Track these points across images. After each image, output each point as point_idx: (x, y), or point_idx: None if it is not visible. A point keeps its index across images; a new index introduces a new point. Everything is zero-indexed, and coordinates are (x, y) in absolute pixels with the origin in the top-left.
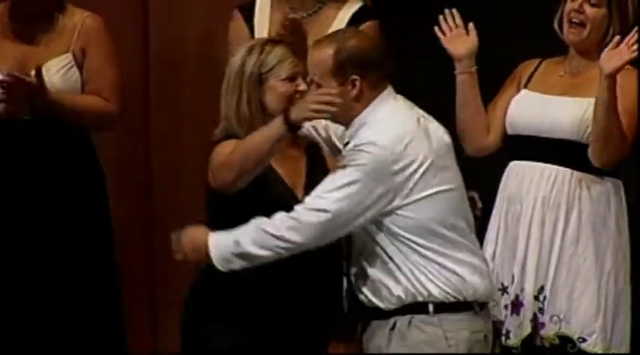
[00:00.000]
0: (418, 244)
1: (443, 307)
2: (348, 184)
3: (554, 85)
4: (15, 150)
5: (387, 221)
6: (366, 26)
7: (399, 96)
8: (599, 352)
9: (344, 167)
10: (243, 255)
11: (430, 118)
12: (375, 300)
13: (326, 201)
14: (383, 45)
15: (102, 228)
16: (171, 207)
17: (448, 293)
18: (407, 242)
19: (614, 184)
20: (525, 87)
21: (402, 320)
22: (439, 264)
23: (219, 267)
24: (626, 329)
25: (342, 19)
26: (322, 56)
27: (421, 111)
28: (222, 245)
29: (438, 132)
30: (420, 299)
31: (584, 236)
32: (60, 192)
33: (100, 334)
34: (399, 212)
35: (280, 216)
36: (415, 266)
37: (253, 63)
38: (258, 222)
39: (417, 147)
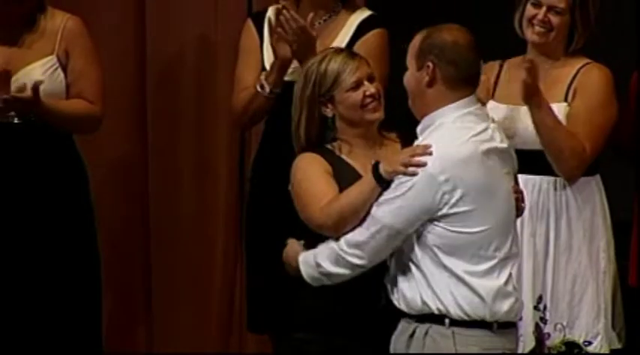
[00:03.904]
0: (446, 258)
1: (458, 322)
2: (399, 196)
3: (519, 94)
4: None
5: (424, 230)
6: (372, 34)
7: (474, 109)
8: (606, 352)
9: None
10: (327, 274)
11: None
12: (401, 304)
13: (380, 213)
14: (475, 54)
15: (85, 224)
16: (168, 212)
17: (466, 313)
18: (437, 254)
19: (596, 182)
20: (492, 96)
21: (420, 329)
22: (463, 283)
23: (311, 283)
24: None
25: (350, 25)
26: (415, 40)
27: (492, 126)
28: (309, 265)
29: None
30: (437, 313)
31: (576, 241)
32: (43, 190)
33: (78, 328)
34: (436, 223)
35: (345, 237)
36: (440, 280)
37: (313, 84)
38: (333, 245)
39: (463, 172)
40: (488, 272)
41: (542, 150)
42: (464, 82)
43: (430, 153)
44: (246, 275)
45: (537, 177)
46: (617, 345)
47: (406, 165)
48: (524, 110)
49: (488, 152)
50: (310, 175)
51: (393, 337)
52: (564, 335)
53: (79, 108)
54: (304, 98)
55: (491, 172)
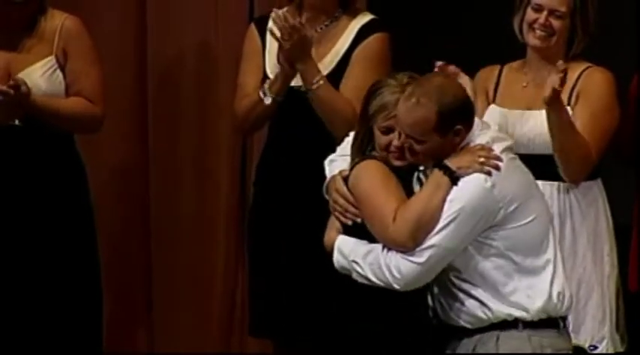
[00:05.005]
0: (519, 257)
1: (531, 324)
2: (453, 220)
3: (519, 98)
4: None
5: (489, 238)
6: (373, 38)
7: (479, 124)
8: None
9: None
10: (360, 275)
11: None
12: (460, 320)
13: (435, 237)
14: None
15: (84, 225)
16: (169, 214)
17: (540, 311)
18: (510, 256)
19: (598, 186)
20: (493, 101)
21: (487, 337)
22: (539, 278)
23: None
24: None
25: (351, 30)
26: (424, 116)
27: (494, 128)
28: (344, 255)
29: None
30: (510, 319)
31: (580, 246)
32: (42, 191)
33: (78, 329)
34: (498, 228)
35: (396, 255)
36: (515, 284)
37: (365, 103)
38: (378, 254)
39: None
40: (551, 261)
41: (545, 154)
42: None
43: (499, 158)
44: (249, 280)
45: (540, 182)
46: (620, 348)
47: (482, 164)
48: (527, 114)
49: (508, 149)
50: (376, 182)
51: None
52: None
53: (77, 106)
54: (360, 111)
55: (518, 164)
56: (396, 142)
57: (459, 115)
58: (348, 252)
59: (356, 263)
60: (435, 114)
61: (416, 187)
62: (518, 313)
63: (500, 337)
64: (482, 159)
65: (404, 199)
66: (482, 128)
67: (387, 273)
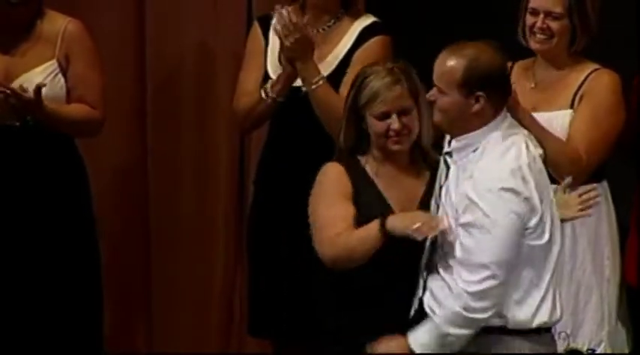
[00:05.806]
0: (516, 270)
1: (510, 330)
2: (492, 231)
3: (527, 99)
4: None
5: None
6: (373, 41)
7: (512, 122)
8: None
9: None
10: (451, 343)
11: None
12: None
13: (483, 259)
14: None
15: (84, 225)
16: (168, 214)
17: (523, 322)
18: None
19: (603, 188)
20: None
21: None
22: (522, 294)
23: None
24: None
25: (353, 32)
26: (453, 66)
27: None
28: (426, 342)
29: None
30: (493, 325)
31: (580, 248)
32: (43, 192)
33: (78, 329)
34: None
35: (462, 300)
36: (509, 293)
37: (354, 95)
38: (445, 311)
39: (536, 181)
40: (551, 276)
41: None
42: (506, 99)
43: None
44: (249, 279)
45: None
46: (625, 350)
47: (416, 230)
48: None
49: (537, 157)
50: (328, 197)
51: None
52: (568, 344)
53: (80, 113)
54: (347, 104)
55: (544, 176)
56: (394, 125)
57: (484, 81)
58: (428, 340)
59: (446, 335)
60: (462, 68)
61: (443, 170)
62: (504, 320)
63: (480, 335)
64: (418, 224)
65: (348, 214)
66: (510, 125)
67: (458, 308)
